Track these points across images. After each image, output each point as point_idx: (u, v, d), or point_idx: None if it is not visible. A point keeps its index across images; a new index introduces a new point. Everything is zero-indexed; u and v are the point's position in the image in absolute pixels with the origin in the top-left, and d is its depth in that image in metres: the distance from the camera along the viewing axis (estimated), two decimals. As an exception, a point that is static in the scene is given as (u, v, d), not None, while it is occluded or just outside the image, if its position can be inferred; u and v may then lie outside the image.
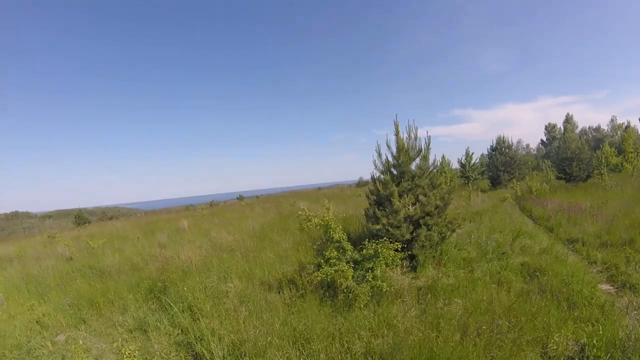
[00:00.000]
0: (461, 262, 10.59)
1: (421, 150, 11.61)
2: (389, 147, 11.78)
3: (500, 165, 37.31)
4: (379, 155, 11.82)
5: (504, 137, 39.30)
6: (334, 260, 8.63)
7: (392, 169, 11.60)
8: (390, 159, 11.77)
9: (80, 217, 51.13)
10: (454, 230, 11.40)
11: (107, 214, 68.35)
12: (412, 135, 11.61)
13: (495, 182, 37.55)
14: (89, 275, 13.29)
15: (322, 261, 8.88)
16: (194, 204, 66.25)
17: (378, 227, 10.69)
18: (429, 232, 10.64)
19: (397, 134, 11.65)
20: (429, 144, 11.63)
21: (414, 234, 10.63)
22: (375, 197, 11.73)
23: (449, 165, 39.11)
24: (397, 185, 11.09)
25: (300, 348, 6.45)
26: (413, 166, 11.59)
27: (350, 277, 8.27)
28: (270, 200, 47.66)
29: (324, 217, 9.54)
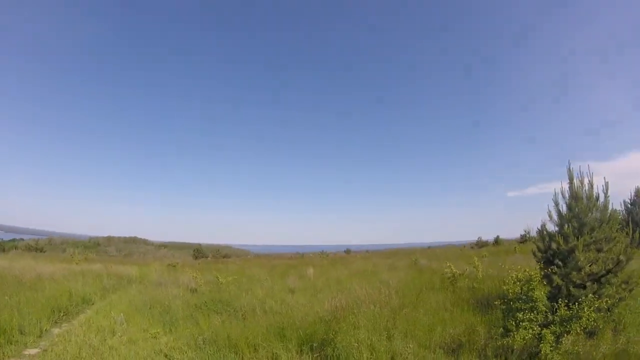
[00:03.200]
0: (640, 326, 8.93)
1: (598, 199, 10.06)
2: (563, 196, 10.32)
3: (640, 221, 33.74)
4: (556, 204, 10.31)
5: (642, 189, 35.44)
6: (527, 323, 7.19)
7: (572, 221, 9.97)
8: (564, 210, 10.25)
9: (199, 251, 52.78)
10: (631, 290, 9.61)
11: (220, 252, 69.26)
12: (587, 183, 10.15)
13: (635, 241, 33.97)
14: (221, 312, 12.12)
15: (512, 324, 7.49)
16: (300, 252, 65.97)
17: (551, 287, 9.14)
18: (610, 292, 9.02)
19: (571, 181, 10.25)
20: (607, 192, 10.08)
21: (596, 295, 8.96)
22: (543, 254, 10.26)
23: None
24: (577, 238, 9.46)
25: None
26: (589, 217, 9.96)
27: (550, 343, 6.94)
28: (386, 255, 45.65)
29: (525, 270, 8.08)
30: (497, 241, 54.76)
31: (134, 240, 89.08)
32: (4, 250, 47.90)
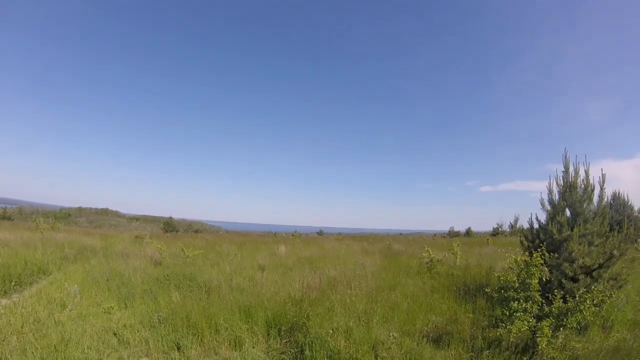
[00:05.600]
0: (628, 325, 8.72)
1: (593, 190, 9.68)
2: (558, 184, 9.94)
3: (615, 224, 33.39)
4: (550, 192, 9.83)
5: (619, 193, 35.26)
6: (520, 313, 6.55)
7: (567, 210, 9.45)
8: (556, 199, 9.86)
9: (169, 225, 51.14)
10: (620, 287, 9.40)
11: (192, 227, 68.73)
12: (583, 172, 9.71)
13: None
14: (183, 287, 11.12)
15: (503, 314, 6.89)
16: (273, 231, 65.77)
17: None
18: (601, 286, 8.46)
19: (566, 170, 9.85)
20: (603, 183, 9.65)
21: (587, 289, 8.41)
22: (530, 244, 9.70)
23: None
24: (571, 229, 8.96)
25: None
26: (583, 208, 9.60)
27: (547, 337, 6.45)
28: (358, 239, 44.37)
29: (525, 253, 7.41)
30: (468, 232, 54.84)
31: (105, 212, 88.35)
32: (-35, 217, 46.51)
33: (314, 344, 6.58)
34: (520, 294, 6.86)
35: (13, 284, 11.39)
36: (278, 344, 7.08)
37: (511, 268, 7.30)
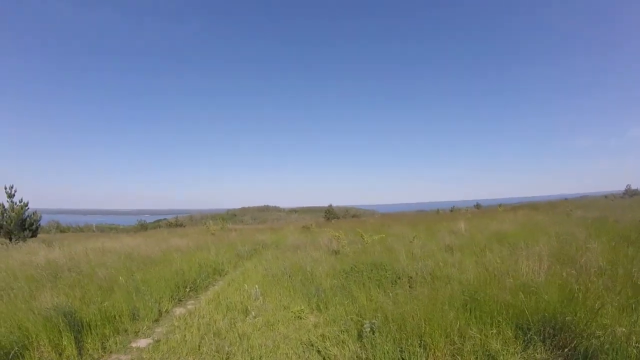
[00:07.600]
0: None
1: None
2: None
3: None
4: None
5: None
6: None
7: None
8: None
9: (330, 212, 52.83)
10: None
11: (349, 212, 70.01)
12: None
13: None
14: (379, 279, 8.99)
15: None
16: (424, 210, 64.85)
17: None
18: None
19: None
20: None
21: None
22: None
23: None
24: None
25: None
26: None
27: None
28: (525, 208, 40.02)
29: None
30: (646, 190, 49.09)
31: (266, 209, 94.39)
32: (146, 230, 49.59)
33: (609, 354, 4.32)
34: None
35: (188, 290, 10.69)
36: (544, 353, 4.88)
37: None
